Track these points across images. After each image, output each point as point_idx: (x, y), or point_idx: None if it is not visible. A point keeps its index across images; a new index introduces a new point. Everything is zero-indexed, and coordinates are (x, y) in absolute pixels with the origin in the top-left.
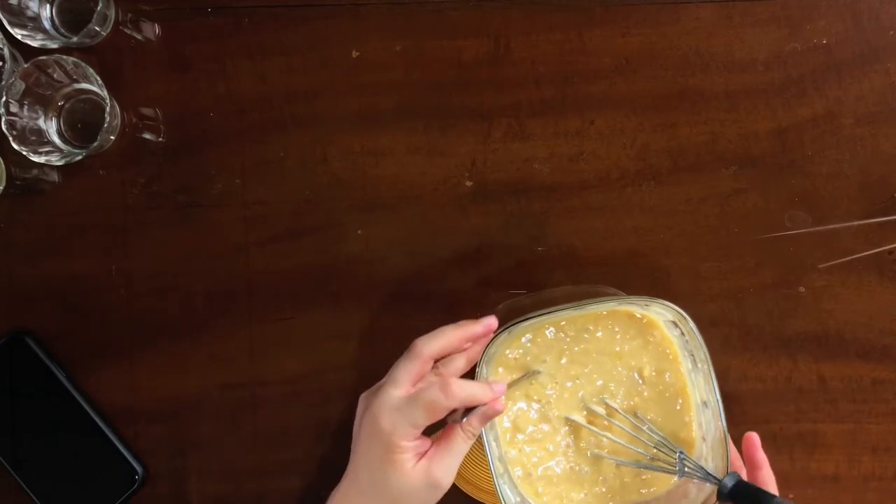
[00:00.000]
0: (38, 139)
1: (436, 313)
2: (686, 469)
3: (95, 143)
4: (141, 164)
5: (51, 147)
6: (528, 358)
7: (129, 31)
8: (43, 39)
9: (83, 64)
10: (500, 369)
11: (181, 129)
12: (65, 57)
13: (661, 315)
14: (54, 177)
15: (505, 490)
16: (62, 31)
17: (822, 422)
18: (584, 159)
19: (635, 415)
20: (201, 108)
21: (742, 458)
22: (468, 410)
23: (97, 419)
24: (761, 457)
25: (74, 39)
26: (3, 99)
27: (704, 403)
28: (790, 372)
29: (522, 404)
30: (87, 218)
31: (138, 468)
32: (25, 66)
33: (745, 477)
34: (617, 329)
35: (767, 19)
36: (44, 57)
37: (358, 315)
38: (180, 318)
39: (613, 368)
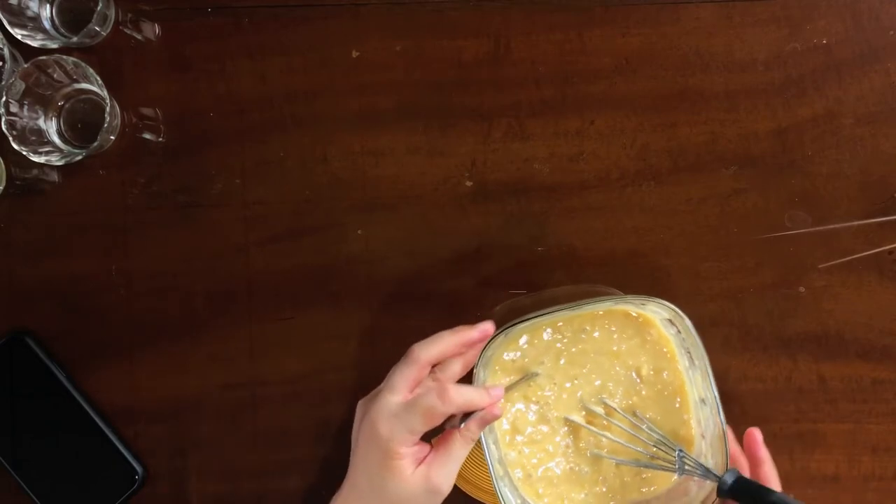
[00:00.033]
0: (38, 139)
1: (436, 313)
2: (686, 467)
3: (95, 143)
4: (141, 164)
5: (51, 147)
6: (526, 360)
7: (129, 31)
8: (43, 39)
9: (83, 64)
10: (497, 368)
11: (181, 129)
12: (65, 57)
13: (658, 314)
14: (54, 177)
15: (506, 492)
16: (62, 31)
17: (822, 422)
18: (584, 159)
19: (634, 414)
20: (201, 108)
21: (745, 454)
22: (466, 415)
23: (97, 419)
24: (763, 453)
25: (74, 39)
26: (3, 99)
27: (703, 401)
28: (790, 372)
29: (521, 406)
30: (87, 218)
31: (138, 468)
32: (25, 66)
33: (746, 473)
34: (614, 329)
35: (767, 19)
36: (44, 57)
37: (358, 315)
38: (180, 318)
39: (611, 368)
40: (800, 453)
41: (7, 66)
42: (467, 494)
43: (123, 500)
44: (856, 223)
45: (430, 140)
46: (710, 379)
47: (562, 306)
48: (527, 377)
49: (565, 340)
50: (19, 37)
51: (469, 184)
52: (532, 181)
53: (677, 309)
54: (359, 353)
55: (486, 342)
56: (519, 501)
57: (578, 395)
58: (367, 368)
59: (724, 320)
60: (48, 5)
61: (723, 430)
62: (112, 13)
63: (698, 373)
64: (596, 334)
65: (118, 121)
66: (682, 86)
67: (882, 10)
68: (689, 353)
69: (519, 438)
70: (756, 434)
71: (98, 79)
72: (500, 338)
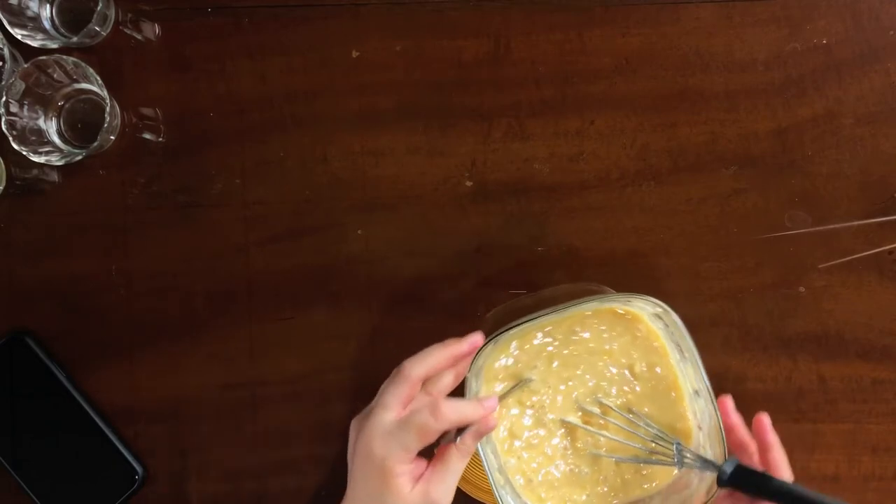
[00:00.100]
0: (38, 139)
1: (435, 313)
2: (685, 459)
3: (95, 143)
4: (141, 164)
5: (51, 147)
6: (519, 366)
7: (129, 31)
8: (43, 39)
9: (83, 64)
10: (491, 377)
11: (181, 129)
12: (65, 57)
13: (644, 309)
14: (54, 177)
15: (508, 501)
16: (62, 31)
17: (822, 422)
18: (584, 159)
19: (630, 411)
20: (201, 108)
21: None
22: (462, 428)
23: (97, 419)
24: (772, 438)
25: (74, 39)
26: (3, 99)
27: (696, 392)
28: (790, 372)
29: (516, 411)
30: (87, 218)
31: (138, 468)
32: (25, 66)
33: (756, 459)
34: (603, 328)
35: (767, 19)
36: (44, 57)
37: (358, 315)
38: (180, 318)
39: (605, 367)
40: (800, 453)
41: (7, 66)
42: (467, 494)
43: (123, 500)
44: (856, 223)
45: (430, 140)
46: (700, 370)
47: (547, 310)
48: (521, 383)
49: (557, 343)
50: (19, 37)
51: (469, 184)
52: (532, 181)
53: (662, 303)
54: (359, 354)
55: (476, 352)
56: None
57: (574, 396)
58: (367, 368)
59: (724, 320)
60: (48, 5)
61: (718, 420)
62: (112, 13)
63: (689, 365)
64: (586, 335)
65: (118, 121)
66: (682, 86)
67: (882, 10)
68: (678, 346)
69: (517, 444)
70: (764, 419)
71: (98, 79)
72: (489, 346)
